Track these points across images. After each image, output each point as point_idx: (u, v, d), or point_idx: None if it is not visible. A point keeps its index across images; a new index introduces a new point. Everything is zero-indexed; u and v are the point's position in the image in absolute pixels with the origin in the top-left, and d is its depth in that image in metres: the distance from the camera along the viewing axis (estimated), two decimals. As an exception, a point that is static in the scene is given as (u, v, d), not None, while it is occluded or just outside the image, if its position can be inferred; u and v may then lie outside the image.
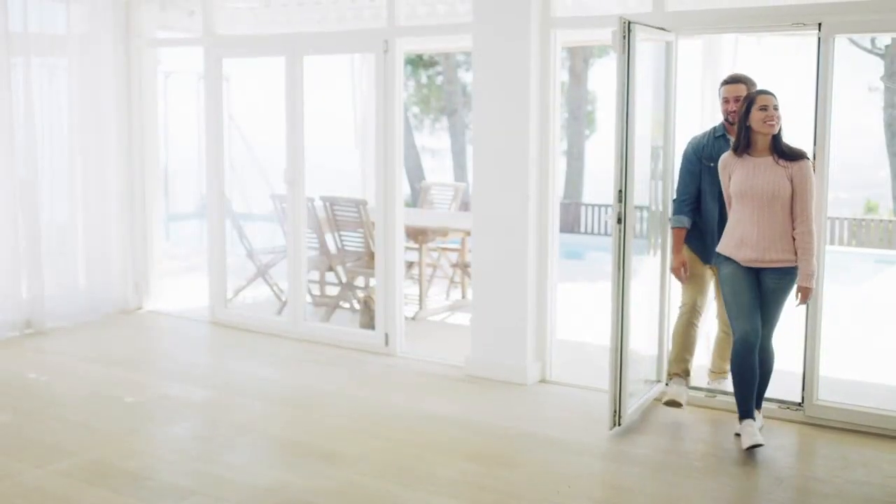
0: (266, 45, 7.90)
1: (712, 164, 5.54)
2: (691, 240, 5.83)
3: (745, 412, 5.19)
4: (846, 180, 19.65)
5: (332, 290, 8.66)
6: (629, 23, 5.29)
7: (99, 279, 8.31)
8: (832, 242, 12.97)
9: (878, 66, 18.24)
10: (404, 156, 7.17)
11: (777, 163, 5.10)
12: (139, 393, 6.25)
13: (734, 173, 5.20)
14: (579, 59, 20.64)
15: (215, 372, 6.80)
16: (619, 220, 5.36)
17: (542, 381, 6.52)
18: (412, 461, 5.05)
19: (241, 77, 9.81)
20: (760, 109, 5.06)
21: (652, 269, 6.02)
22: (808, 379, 5.63)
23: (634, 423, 5.67)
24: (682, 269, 5.82)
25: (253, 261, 8.67)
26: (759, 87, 5.33)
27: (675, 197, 5.86)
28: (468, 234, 8.25)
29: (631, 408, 5.65)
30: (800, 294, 5.16)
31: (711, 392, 6.00)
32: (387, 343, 7.18)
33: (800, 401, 5.69)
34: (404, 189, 7.18)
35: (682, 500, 4.60)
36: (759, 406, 5.35)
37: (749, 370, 5.16)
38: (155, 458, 5.13)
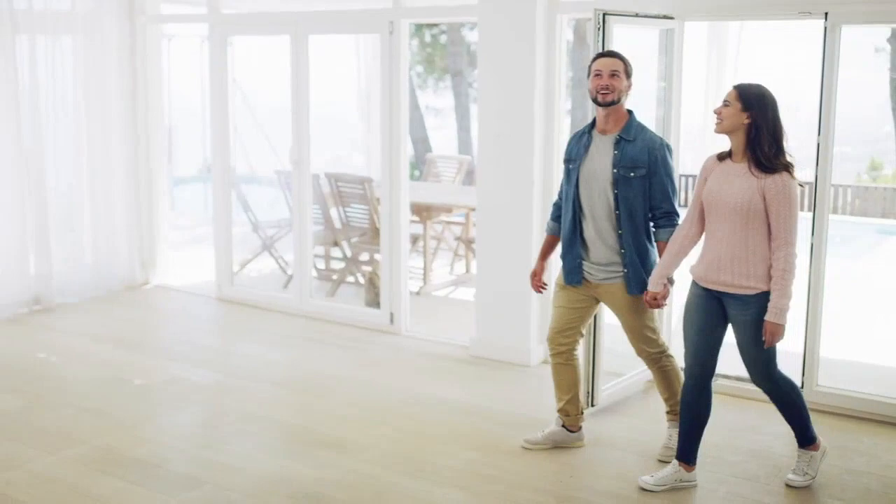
0: (271, 24, 7.87)
1: (570, 166, 4.87)
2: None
3: (680, 453, 4.71)
4: (852, 135, 19.59)
5: (337, 265, 8.71)
6: (604, 14, 5.27)
7: (106, 255, 8.36)
8: (835, 211, 12.91)
9: (884, 28, 18.11)
10: (411, 125, 7.15)
11: (751, 172, 4.31)
12: (148, 376, 6.32)
13: (709, 178, 4.49)
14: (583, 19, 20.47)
15: (222, 353, 6.87)
16: None
17: (546, 361, 6.56)
18: (418, 450, 5.13)
19: (243, 40, 9.80)
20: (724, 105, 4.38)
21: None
22: (808, 363, 5.68)
23: (630, 405, 5.75)
24: (533, 277, 5.17)
25: (258, 234, 8.73)
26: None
27: None
28: (472, 209, 8.29)
29: (614, 388, 5.74)
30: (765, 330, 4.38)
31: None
32: (392, 322, 7.24)
33: (800, 385, 5.75)
34: (408, 151, 7.17)
35: (680, 490, 4.68)
36: (803, 443, 4.77)
37: (688, 410, 4.66)
38: (164, 445, 5.21)
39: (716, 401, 5.75)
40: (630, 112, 4.84)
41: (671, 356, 5.06)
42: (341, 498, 4.58)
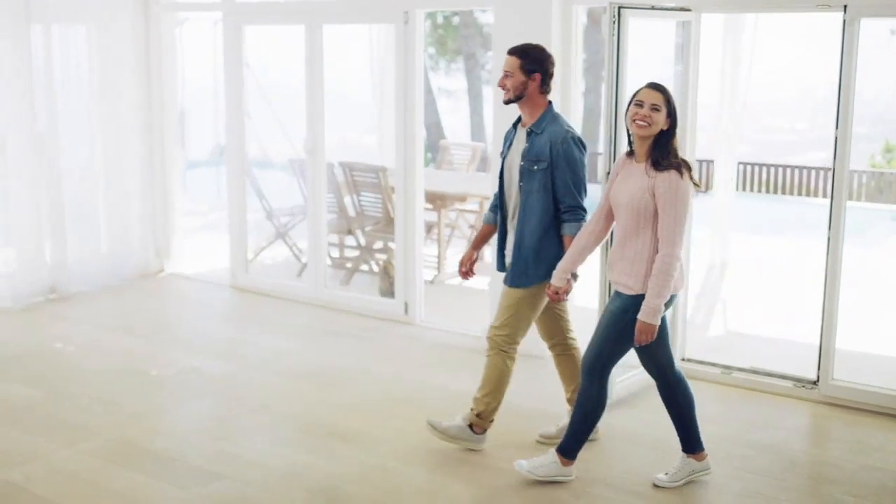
0: (285, 13, 7.84)
1: (500, 159, 4.99)
2: None
3: (683, 445, 4.71)
4: (865, 115, 19.49)
5: (351, 253, 8.72)
6: (620, 7, 5.24)
7: (120, 243, 8.39)
8: (850, 198, 12.84)
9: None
10: (423, 110, 7.12)
11: (646, 171, 4.30)
12: (163, 366, 6.35)
13: (617, 177, 4.50)
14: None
15: (237, 344, 6.89)
16: None
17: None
18: (432, 443, 5.12)
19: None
20: (636, 105, 4.29)
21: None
22: (824, 356, 5.67)
23: (645, 398, 5.72)
24: (460, 265, 5.16)
25: (272, 222, 8.74)
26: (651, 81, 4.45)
27: None
28: (486, 198, 8.29)
29: (629, 380, 5.73)
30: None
31: (727, 369, 6.06)
32: (406, 312, 7.25)
33: (815, 379, 5.74)
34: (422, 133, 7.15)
35: (693, 484, 4.68)
36: (562, 450, 4.66)
37: (669, 406, 4.71)
38: (180, 438, 5.24)
39: (730, 394, 5.83)
40: (549, 103, 4.83)
41: (509, 357, 4.95)
42: (356, 491, 4.60)
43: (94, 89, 8.07)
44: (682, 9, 5.65)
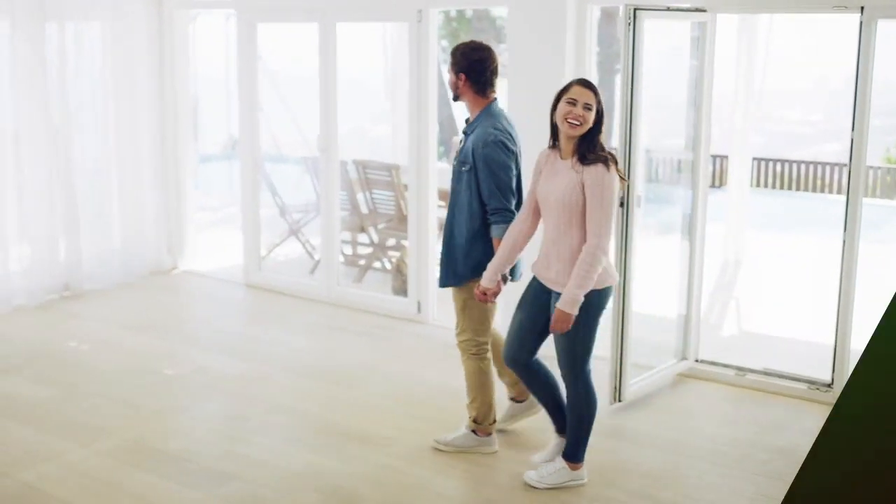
0: (299, 12, 7.83)
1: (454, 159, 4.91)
2: None
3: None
4: (880, 105, 19.29)
5: (364, 250, 8.71)
6: (635, 9, 5.21)
7: (134, 240, 8.40)
8: (865, 194, 12.73)
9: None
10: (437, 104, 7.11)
11: (573, 167, 4.29)
12: (177, 365, 6.36)
13: (542, 173, 4.48)
14: (612, -6, 20.23)
15: (250, 342, 6.89)
16: (621, 204, 5.35)
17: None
18: (445, 445, 5.14)
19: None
20: (568, 103, 4.26)
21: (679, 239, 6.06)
22: (838, 358, 5.63)
23: (659, 399, 5.72)
24: None
25: (285, 218, 8.73)
26: (578, 77, 4.51)
27: None
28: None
29: (642, 382, 5.72)
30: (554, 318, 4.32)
31: (741, 370, 6.03)
32: (419, 311, 7.25)
33: (830, 381, 5.71)
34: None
35: (707, 488, 4.66)
36: (568, 456, 4.68)
37: (537, 392, 4.79)
38: (194, 438, 5.25)
39: (743, 396, 5.80)
40: (490, 102, 4.75)
41: (480, 359, 4.98)
42: (368, 493, 4.61)
43: (108, 85, 8.07)
44: (697, 9, 5.62)
